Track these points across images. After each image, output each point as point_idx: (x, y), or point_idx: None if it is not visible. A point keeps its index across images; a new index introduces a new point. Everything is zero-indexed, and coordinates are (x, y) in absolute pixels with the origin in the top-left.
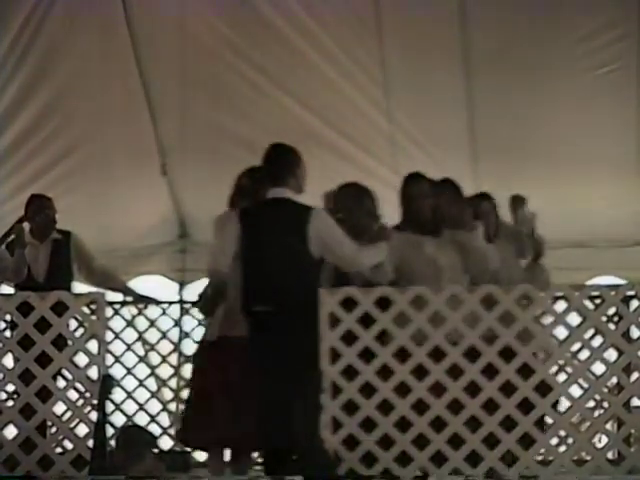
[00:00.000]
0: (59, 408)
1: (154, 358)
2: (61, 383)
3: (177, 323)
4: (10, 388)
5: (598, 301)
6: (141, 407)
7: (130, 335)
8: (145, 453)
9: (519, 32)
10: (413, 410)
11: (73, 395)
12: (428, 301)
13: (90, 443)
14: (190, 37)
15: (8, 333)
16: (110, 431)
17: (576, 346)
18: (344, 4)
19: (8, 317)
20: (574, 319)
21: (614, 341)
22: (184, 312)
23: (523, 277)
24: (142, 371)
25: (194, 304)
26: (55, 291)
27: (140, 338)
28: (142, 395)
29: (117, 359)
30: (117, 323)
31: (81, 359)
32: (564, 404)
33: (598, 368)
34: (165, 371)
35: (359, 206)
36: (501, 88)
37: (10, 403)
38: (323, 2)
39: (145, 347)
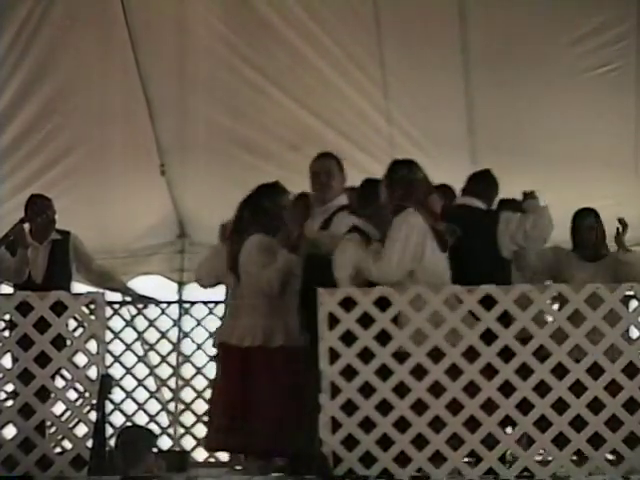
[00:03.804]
0: (58, 408)
1: (153, 358)
2: (60, 383)
3: (176, 323)
4: (9, 388)
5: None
6: (140, 407)
7: (129, 335)
8: (145, 453)
9: (518, 32)
10: (412, 410)
11: (72, 395)
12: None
13: (89, 443)
14: (189, 37)
15: (7, 333)
16: (109, 431)
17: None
18: (343, 3)
19: (7, 317)
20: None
21: (613, 341)
22: (183, 312)
23: None
24: (141, 371)
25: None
26: (54, 291)
27: (139, 338)
28: (141, 395)
29: (116, 359)
30: (116, 323)
31: (80, 359)
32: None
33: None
34: (164, 371)
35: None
36: (500, 88)
37: (9, 403)
38: (322, 2)
39: (144, 347)
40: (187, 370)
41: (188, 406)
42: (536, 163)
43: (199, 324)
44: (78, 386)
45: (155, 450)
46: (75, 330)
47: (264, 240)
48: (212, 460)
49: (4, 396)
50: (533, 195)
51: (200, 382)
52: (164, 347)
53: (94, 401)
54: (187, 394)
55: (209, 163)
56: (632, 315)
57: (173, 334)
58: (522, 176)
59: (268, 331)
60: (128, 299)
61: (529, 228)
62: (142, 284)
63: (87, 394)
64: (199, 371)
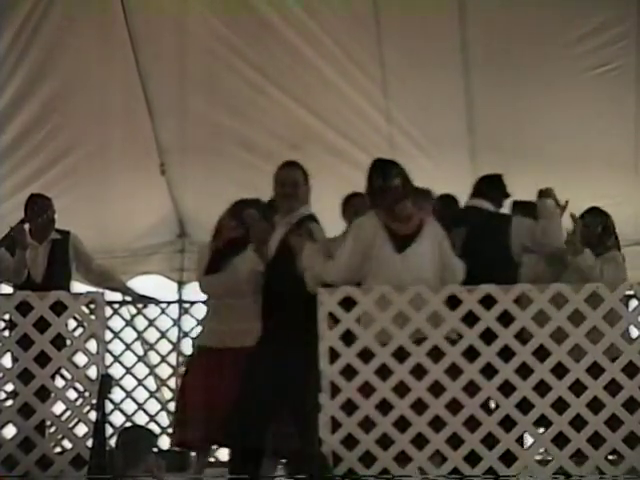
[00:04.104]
0: (58, 408)
1: (153, 358)
2: (60, 383)
3: (176, 323)
4: (9, 388)
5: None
6: (140, 407)
7: (129, 335)
8: (146, 453)
9: (518, 31)
10: (412, 410)
11: (72, 395)
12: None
13: (89, 443)
14: (189, 37)
15: (7, 333)
16: (109, 431)
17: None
18: (343, 3)
19: (7, 316)
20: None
21: (613, 341)
22: (183, 312)
23: None
24: (141, 371)
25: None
26: (54, 291)
27: (139, 338)
28: (141, 395)
29: (116, 359)
30: (116, 323)
31: (80, 359)
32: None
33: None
34: (164, 371)
35: None
36: (500, 88)
37: (9, 403)
38: (321, 1)
39: (144, 347)
40: None
41: None
42: (536, 162)
43: (199, 324)
44: (78, 386)
45: (155, 450)
46: (75, 330)
47: None
48: (212, 460)
49: (4, 396)
50: (548, 193)
51: None
52: (164, 347)
53: (94, 401)
54: None
55: (209, 163)
56: (632, 315)
57: (173, 334)
58: (522, 176)
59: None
60: (128, 299)
61: (539, 235)
62: (142, 284)
63: (87, 394)
64: None
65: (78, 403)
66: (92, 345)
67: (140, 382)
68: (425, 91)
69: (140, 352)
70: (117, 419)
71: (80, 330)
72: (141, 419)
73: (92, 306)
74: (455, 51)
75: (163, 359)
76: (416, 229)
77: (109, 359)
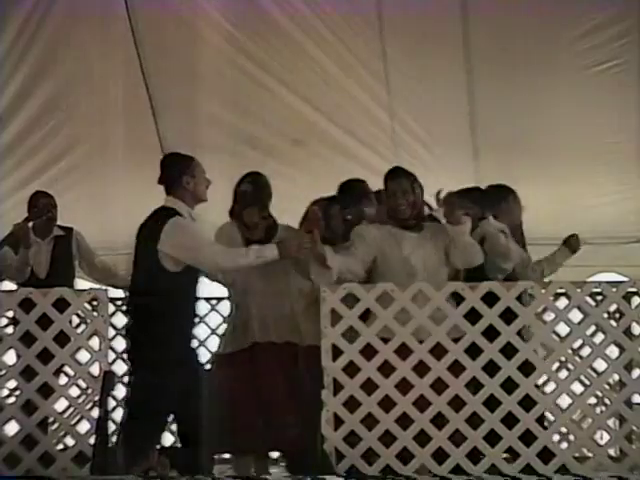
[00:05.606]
0: (60, 405)
1: None
2: (63, 379)
3: None
4: (11, 384)
5: (599, 298)
6: None
7: None
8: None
9: (520, 28)
10: (414, 407)
11: (75, 392)
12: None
13: (92, 440)
14: (192, 33)
15: (10, 329)
16: (112, 428)
17: (577, 343)
18: (346, 0)
19: (10, 313)
20: (575, 316)
21: (615, 338)
22: None
23: None
24: None
25: None
26: (57, 287)
27: None
28: None
29: (119, 355)
30: (119, 320)
31: (83, 355)
32: (565, 401)
33: (599, 365)
34: None
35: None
36: (502, 85)
37: (11, 400)
38: None
39: None
40: None
41: None
42: (537, 159)
43: (202, 321)
44: (80, 383)
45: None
46: (78, 327)
47: None
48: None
49: (6, 393)
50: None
51: None
52: None
53: (97, 398)
54: None
55: (212, 160)
56: (634, 312)
57: None
58: (525, 173)
59: None
60: None
61: None
62: None
63: (89, 391)
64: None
65: (81, 400)
66: (95, 342)
67: None
68: (428, 88)
69: None
70: (119, 416)
71: (83, 327)
72: None
73: (95, 303)
74: (458, 48)
75: None
76: (265, 235)
77: (112, 356)
